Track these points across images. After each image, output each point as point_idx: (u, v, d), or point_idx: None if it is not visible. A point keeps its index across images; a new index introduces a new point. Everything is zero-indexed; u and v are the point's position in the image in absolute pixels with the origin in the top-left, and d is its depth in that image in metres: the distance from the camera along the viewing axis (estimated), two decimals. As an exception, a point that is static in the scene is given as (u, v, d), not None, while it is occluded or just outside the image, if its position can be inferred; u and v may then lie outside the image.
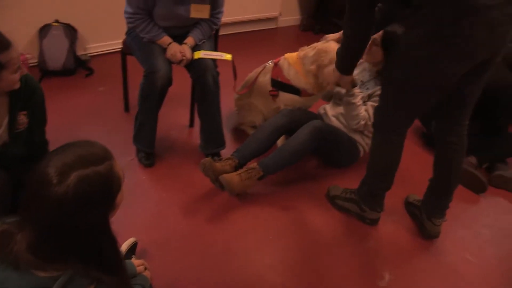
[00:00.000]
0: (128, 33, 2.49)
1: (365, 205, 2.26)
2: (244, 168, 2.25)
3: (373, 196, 2.21)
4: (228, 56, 2.39)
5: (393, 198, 2.30)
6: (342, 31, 2.28)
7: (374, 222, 2.29)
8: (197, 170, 2.44)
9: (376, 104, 2.44)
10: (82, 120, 2.76)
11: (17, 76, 1.72)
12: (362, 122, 2.43)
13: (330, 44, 2.43)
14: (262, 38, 4.51)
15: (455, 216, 2.44)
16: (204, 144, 2.55)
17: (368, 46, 2.47)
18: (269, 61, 2.64)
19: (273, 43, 4.51)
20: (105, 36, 3.53)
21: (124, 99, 2.89)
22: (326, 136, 2.39)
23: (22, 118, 1.91)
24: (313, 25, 4.82)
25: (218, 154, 2.54)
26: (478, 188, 2.64)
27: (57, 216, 0.98)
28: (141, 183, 2.35)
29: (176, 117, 2.89)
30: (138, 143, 2.45)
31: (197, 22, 2.46)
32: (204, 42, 2.48)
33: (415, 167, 2.74)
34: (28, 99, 1.91)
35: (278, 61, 2.57)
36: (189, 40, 2.41)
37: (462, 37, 1.59)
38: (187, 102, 2.87)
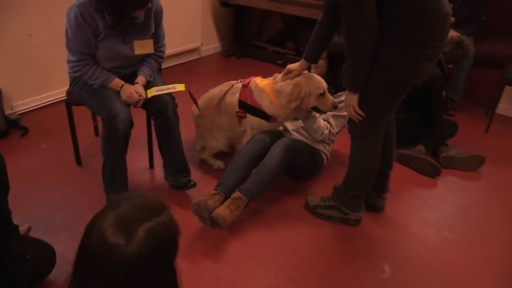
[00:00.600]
0: (73, 83, 2.36)
1: (347, 208, 2.35)
2: (230, 199, 2.24)
3: (358, 198, 2.31)
4: (181, 87, 2.36)
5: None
6: (303, 60, 2.36)
7: (357, 222, 2.39)
8: (174, 209, 2.38)
9: (337, 113, 2.59)
10: (34, 183, 2.53)
11: None
12: (326, 132, 2.54)
13: (298, 79, 2.44)
14: (188, 69, 4.52)
15: (423, 200, 2.64)
16: (172, 178, 2.50)
17: None
18: (238, 81, 2.64)
19: (199, 72, 4.54)
20: (31, 91, 3.31)
21: (75, 152, 2.71)
22: (296, 151, 2.46)
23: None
24: (235, 50, 4.94)
25: (188, 183, 2.50)
26: (433, 172, 2.88)
27: (130, 276, 0.92)
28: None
29: (134, 161, 2.77)
30: (111, 192, 2.32)
31: (142, 59, 2.42)
32: (154, 77, 2.44)
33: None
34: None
35: (248, 83, 2.59)
36: (140, 79, 2.36)
37: (437, 40, 1.83)
38: (142, 143, 2.77)
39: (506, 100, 3.85)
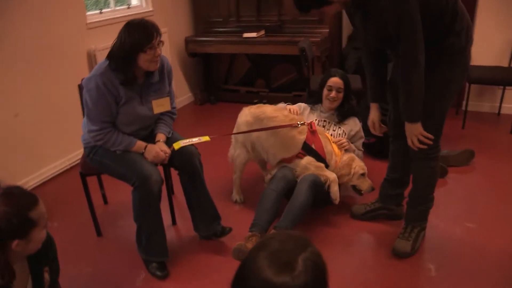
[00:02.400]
0: (92, 152, 2.35)
1: (425, 221, 2.45)
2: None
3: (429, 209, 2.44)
4: (205, 138, 2.43)
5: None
6: (373, 104, 2.44)
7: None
8: (213, 258, 2.40)
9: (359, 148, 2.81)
10: (61, 262, 2.43)
11: (44, 233, 1.57)
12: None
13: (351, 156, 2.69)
14: (167, 124, 4.56)
15: (437, 199, 2.80)
16: (205, 228, 2.52)
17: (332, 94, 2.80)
18: (300, 122, 2.67)
19: (178, 124, 4.56)
20: (24, 172, 3.23)
21: (94, 223, 2.67)
22: (319, 184, 2.56)
23: (46, 276, 1.71)
24: (208, 97, 5.06)
25: (224, 230, 2.52)
26: (442, 173, 3.11)
27: None
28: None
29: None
30: (152, 255, 2.31)
31: (158, 118, 2.46)
32: (172, 133, 2.49)
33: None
34: (47, 252, 1.73)
35: (315, 130, 2.67)
36: (161, 137, 2.40)
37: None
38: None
39: (472, 97, 4.20)
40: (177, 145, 2.35)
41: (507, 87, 4.03)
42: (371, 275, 2.24)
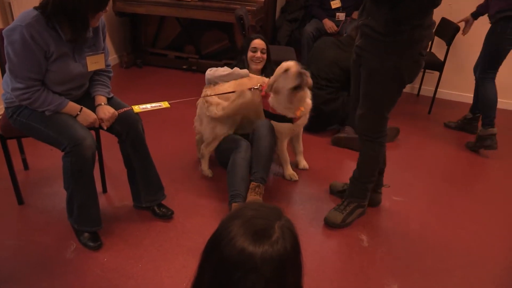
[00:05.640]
0: (16, 113, 2.10)
1: (365, 200, 2.51)
2: (250, 190, 2.41)
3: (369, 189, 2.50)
4: (166, 104, 2.32)
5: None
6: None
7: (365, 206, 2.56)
8: (149, 230, 2.33)
9: None
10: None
11: None
12: None
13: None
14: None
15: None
16: (149, 197, 2.40)
17: None
18: (257, 86, 2.63)
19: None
20: None
21: (15, 190, 2.42)
22: (273, 127, 2.62)
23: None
24: (134, 60, 4.78)
25: (166, 211, 2.44)
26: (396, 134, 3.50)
27: (279, 273, 0.91)
28: (106, 267, 2.08)
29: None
30: (84, 225, 2.16)
31: (92, 79, 2.27)
32: (112, 96, 2.32)
33: (330, 159, 3.16)
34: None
35: (263, 94, 2.62)
36: (102, 99, 2.22)
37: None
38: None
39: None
40: (137, 109, 2.23)
41: (427, 71, 4.30)
42: (304, 246, 2.29)
